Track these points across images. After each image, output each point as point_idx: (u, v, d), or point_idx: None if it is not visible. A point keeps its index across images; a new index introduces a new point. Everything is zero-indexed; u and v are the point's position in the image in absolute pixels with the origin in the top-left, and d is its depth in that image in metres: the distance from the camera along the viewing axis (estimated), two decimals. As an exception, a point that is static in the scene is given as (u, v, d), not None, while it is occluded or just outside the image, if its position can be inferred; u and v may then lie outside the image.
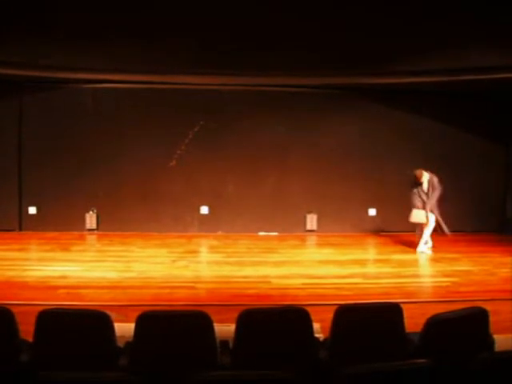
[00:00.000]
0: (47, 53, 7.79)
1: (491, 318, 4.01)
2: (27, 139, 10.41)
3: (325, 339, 4.22)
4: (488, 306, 4.06)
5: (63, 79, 9.72)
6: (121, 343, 3.90)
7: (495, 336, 4.13)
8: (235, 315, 3.86)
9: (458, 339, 3.73)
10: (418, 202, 9.21)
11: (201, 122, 10.64)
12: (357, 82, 9.83)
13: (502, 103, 10.90)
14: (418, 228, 9.35)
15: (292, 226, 11.00)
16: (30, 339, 3.78)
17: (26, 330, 3.82)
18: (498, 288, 7.01)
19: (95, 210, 10.66)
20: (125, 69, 8.78)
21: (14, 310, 3.82)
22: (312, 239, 10.81)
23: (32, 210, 10.59)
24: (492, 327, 4.06)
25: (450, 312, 3.85)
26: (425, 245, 9.20)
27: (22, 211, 10.57)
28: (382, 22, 7.02)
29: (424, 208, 9.12)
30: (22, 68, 8.48)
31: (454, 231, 10.63)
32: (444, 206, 9.30)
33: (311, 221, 11.04)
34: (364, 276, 7.71)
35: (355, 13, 6.37)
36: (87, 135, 10.51)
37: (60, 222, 10.48)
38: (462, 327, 3.80)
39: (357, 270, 8.01)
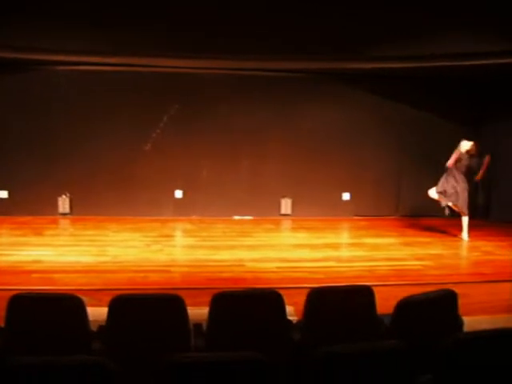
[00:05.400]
0: (19, 34, 7.65)
1: (461, 301, 4.09)
2: (-2, 122, 10.25)
3: (298, 321, 4.27)
4: (458, 289, 4.14)
5: (35, 61, 9.54)
6: (94, 327, 3.90)
7: (464, 318, 4.22)
8: (209, 299, 3.87)
9: (428, 321, 3.80)
10: None
11: (176, 106, 10.57)
12: (334, 67, 9.84)
13: (476, 90, 11.00)
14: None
15: (267, 210, 11.03)
16: (1, 324, 3.75)
17: (-2, 314, 3.79)
18: (468, 271, 7.15)
19: (68, 194, 10.56)
20: (99, 51, 8.67)
21: (-14, 294, 3.78)
22: (286, 223, 10.86)
23: (3, 194, 10.43)
24: (461, 309, 4.14)
25: (420, 294, 3.91)
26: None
27: (-7, 195, 10.43)
28: (360, 8, 7.05)
29: None
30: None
31: (426, 216, 10.82)
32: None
33: (286, 205, 11.09)
34: (337, 259, 7.77)
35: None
36: (60, 118, 10.36)
37: (32, 206, 10.35)
38: (432, 309, 3.87)
39: (330, 253, 8.07)
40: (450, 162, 8.98)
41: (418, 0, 7.26)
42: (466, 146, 9.08)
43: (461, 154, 9.00)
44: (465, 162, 9.05)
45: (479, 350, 2.86)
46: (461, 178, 9.07)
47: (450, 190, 9.07)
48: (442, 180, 9.14)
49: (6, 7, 6.97)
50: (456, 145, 9.02)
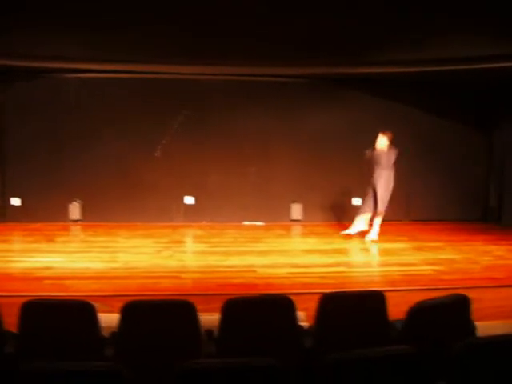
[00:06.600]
0: (28, 42, 7.70)
1: (473, 306, 4.07)
2: (9, 130, 10.30)
3: (309, 327, 4.26)
4: (470, 294, 4.12)
5: (45, 69, 9.62)
6: (106, 334, 3.91)
7: (477, 323, 4.19)
8: (221, 305, 3.87)
9: (440, 326, 3.78)
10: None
11: (185, 112, 10.60)
12: (339, 72, 9.85)
13: (485, 91, 10.94)
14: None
15: (277, 216, 11.02)
16: (14, 330, 3.77)
17: (10, 321, 3.81)
18: (480, 276, 7.09)
19: (79, 201, 10.61)
20: (109, 58, 8.73)
21: (-2, 301, 3.81)
22: (297, 228, 10.84)
23: (15, 202, 10.50)
24: (474, 314, 4.12)
25: (432, 299, 3.89)
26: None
27: (6, 202, 10.48)
28: (363, 11, 7.05)
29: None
30: (2, 58, 8.38)
31: (437, 220, 10.79)
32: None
33: (296, 210, 11.07)
34: (348, 265, 7.75)
35: (335, 2, 6.40)
36: (71, 125, 10.41)
37: (44, 212, 10.40)
38: (444, 314, 3.86)
39: (341, 258, 8.06)
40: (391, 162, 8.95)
41: (422, 3, 7.24)
42: (386, 137, 9.02)
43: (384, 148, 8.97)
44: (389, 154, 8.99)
45: (492, 355, 2.84)
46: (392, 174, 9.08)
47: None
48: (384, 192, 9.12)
49: (11, 16, 7.01)
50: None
